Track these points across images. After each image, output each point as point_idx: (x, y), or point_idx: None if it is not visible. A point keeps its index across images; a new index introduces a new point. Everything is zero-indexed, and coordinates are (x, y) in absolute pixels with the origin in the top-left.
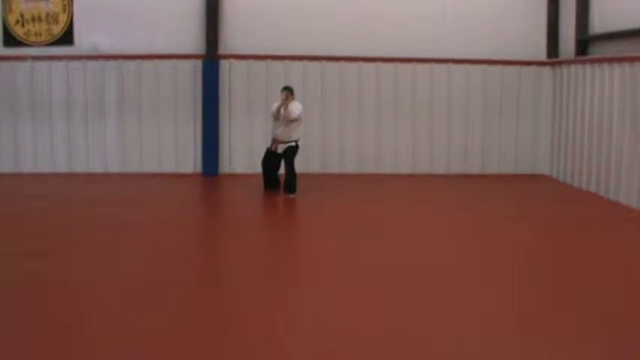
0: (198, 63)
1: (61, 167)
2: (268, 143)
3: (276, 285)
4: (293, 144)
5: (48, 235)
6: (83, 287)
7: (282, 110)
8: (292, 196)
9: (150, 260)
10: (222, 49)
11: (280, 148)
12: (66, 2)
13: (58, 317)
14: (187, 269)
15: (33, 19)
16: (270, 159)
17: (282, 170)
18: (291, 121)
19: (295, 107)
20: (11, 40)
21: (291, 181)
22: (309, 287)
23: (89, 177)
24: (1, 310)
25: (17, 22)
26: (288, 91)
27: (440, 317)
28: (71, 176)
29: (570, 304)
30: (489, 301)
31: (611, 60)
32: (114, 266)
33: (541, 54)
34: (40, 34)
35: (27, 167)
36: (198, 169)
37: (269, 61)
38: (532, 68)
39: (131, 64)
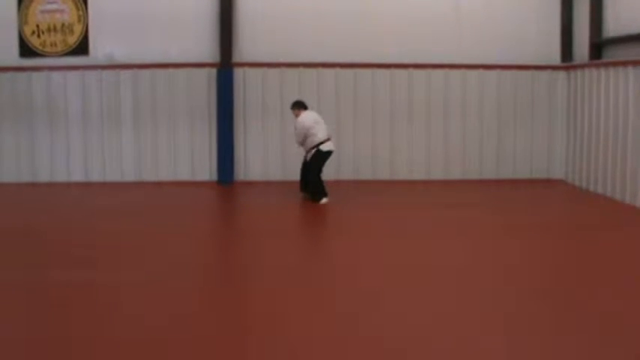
0: (213, 71)
1: (77, 176)
2: (283, 150)
3: (299, 288)
4: (313, 152)
5: (71, 245)
6: (108, 293)
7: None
8: (318, 202)
9: (176, 266)
10: (236, 58)
11: (308, 156)
12: (81, 13)
13: (82, 322)
14: (211, 276)
15: (49, 30)
16: (303, 166)
17: None
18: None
19: (297, 122)
20: (27, 51)
21: (311, 190)
22: (328, 288)
23: (105, 186)
24: (35, 321)
25: (33, 32)
26: (292, 108)
27: (455, 319)
28: (88, 185)
29: (587, 308)
30: (505, 306)
31: (625, 63)
32: (139, 273)
33: (555, 58)
34: (56, 45)
35: (44, 177)
36: (214, 177)
37: (283, 69)
38: (546, 72)
39: (146, 73)
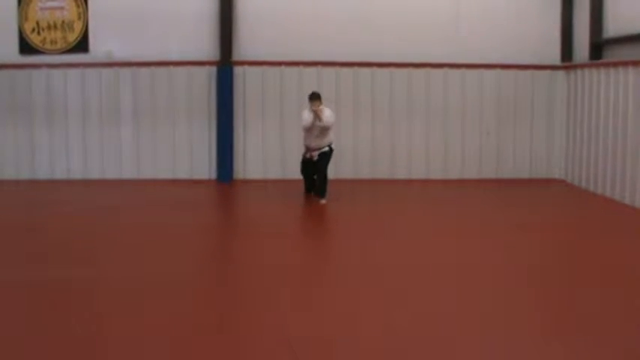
0: (213, 69)
1: (77, 174)
2: (282, 149)
3: (298, 286)
4: (327, 149)
5: (70, 242)
6: (106, 291)
7: (316, 122)
8: (323, 201)
9: (175, 265)
10: (236, 56)
11: (316, 155)
12: (81, 10)
13: (81, 319)
14: (210, 274)
15: (49, 27)
16: (308, 166)
17: None
18: (324, 128)
19: (329, 115)
20: (27, 48)
21: (321, 186)
22: (327, 287)
23: (104, 184)
24: (38, 317)
25: (33, 30)
26: (319, 100)
27: (452, 317)
28: (87, 183)
29: (584, 306)
30: (509, 303)
31: (625, 63)
32: (137, 271)
33: (555, 58)
34: (56, 42)
35: (43, 174)
36: (213, 175)
37: (283, 67)
38: (546, 72)
39: (146, 71)
